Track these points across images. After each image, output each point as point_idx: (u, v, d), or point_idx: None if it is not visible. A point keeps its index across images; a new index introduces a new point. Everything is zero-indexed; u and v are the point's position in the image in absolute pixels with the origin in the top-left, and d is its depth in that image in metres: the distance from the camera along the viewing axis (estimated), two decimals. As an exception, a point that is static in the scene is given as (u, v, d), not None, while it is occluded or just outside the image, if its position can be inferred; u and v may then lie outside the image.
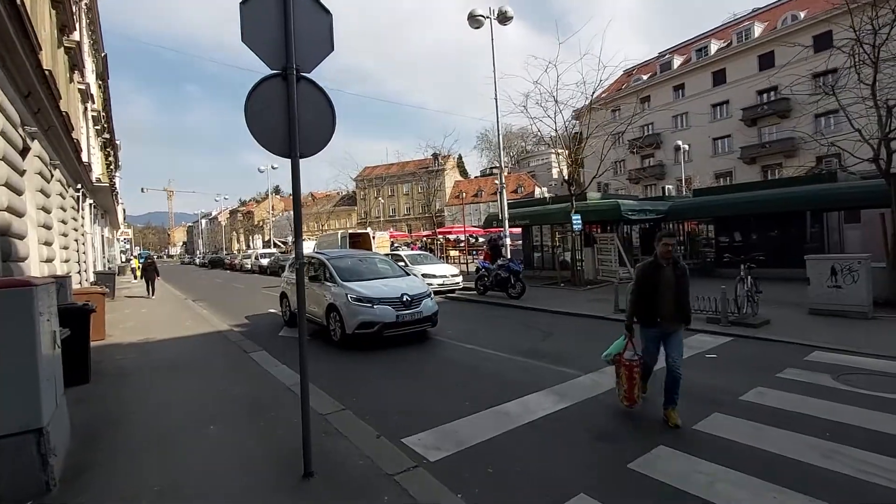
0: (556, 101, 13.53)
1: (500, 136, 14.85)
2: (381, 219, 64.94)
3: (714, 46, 42.49)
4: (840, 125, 9.46)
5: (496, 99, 14.21)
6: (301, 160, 3.12)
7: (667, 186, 19.72)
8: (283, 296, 10.03)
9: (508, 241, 14.92)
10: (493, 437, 3.76)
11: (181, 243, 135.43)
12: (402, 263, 14.23)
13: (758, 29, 39.23)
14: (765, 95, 37.88)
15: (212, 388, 5.27)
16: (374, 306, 7.31)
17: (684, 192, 27.40)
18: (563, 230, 16.77)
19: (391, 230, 50.02)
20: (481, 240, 29.77)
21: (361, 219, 70.54)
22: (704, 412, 4.03)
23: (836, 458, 3.17)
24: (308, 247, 28.04)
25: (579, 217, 13.34)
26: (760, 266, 12.36)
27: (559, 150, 15.54)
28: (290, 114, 3.05)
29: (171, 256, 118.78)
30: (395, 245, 33.45)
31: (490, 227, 20.60)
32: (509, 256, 13.82)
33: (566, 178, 14.36)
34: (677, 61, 45.53)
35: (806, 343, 6.04)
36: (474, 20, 13.48)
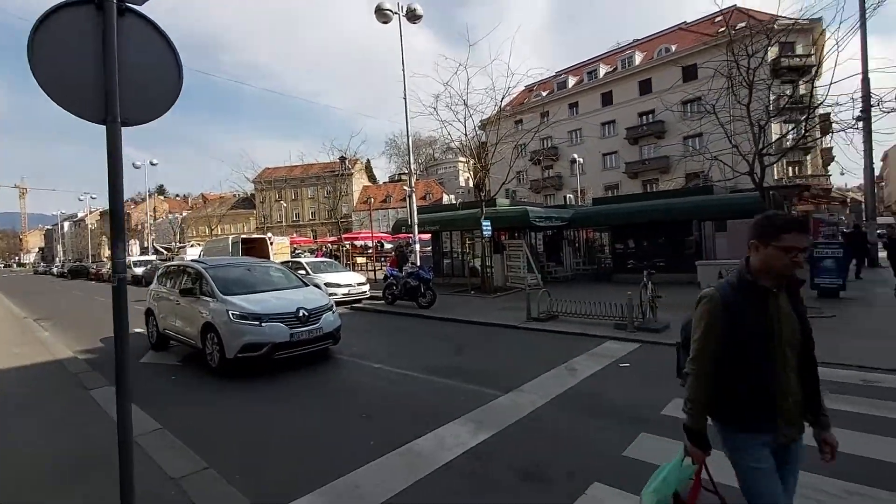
0: (467, 105, 13.34)
1: (410, 138, 14.33)
2: (284, 223, 60.90)
3: (602, 70, 46.60)
4: (709, 145, 10.57)
5: (405, 98, 13.63)
6: (132, 128, 2.18)
7: (567, 195, 20.73)
8: (150, 312, 8.34)
9: (418, 247, 14.36)
10: (402, 489, 3.05)
11: (37, 249, 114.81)
12: (302, 272, 12.94)
13: (638, 57, 43.77)
14: (644, 117, 42.35)
15: (22, 443, 3.87)
16: (263, 324, 6.20)
17: (580, 202, 29.26)
18: (473, 236, 16.66)
19: (294, 235, 46.96)
20: (388, 246, 28.95)
21: (261, 223, 65.55)
22: (631, 433, 3.73)
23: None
24: (194, 254, 24.89)
25: (489, 223, 13.22)
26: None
27: (468, 158, 15.43)
28: (106, 60, 2.09)
29: (23, 265, 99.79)
30: (298, 252, 31.22)
31: (399, 233, 19.93)
32: (419, 263, 13.26)
33: (475, 184, 14.22)
34: (572, 81, 49.13)
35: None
36: (382, 14, 12.78)
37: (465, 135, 13.85)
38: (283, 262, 13.05)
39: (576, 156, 39.17)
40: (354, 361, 6.72)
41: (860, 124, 17.05)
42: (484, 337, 8.22)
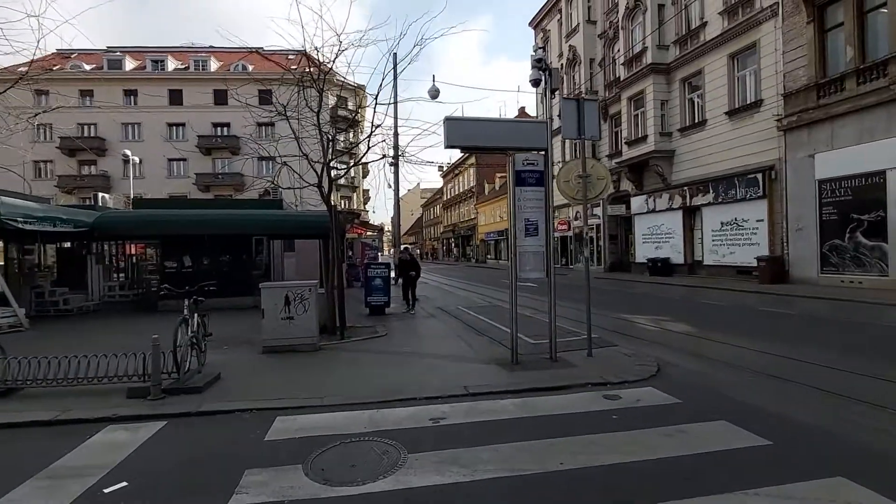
0: None
1: None
2: None
3: (171, 64, 40.81)
4: (280, 149, 9.89)
5: None
6: None
7: (102, 195, 15.10)
8: None
9: None
10: None
11: None
12: None
13: (214, 65, 40.89)
14: (220, 129, 39.75)
15: None
16: None
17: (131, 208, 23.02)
18: None
19: None
20: None
21: None
22: None
23: None
24: None
25: None
26: (212, 296, 10.78)
27: None
28: None
29: None
30: None
31: None
32: None
33: None
34: (130, 64, 40.41)
35: (266, 406, 4.41)
36: None
37: None
38: None
39: (128, 152, 31.48)
40: None
41: (391, 168, 21.12)
42: None
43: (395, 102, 12.81)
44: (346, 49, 7.99)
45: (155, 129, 37.95)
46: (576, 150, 27.55)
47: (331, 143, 8.12)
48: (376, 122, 8.28)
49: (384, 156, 10.17)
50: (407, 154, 10.40)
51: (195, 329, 5.38)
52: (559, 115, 5.97)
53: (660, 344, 7.09)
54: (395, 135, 19.24)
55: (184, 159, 39.05)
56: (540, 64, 5.86)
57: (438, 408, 4.31)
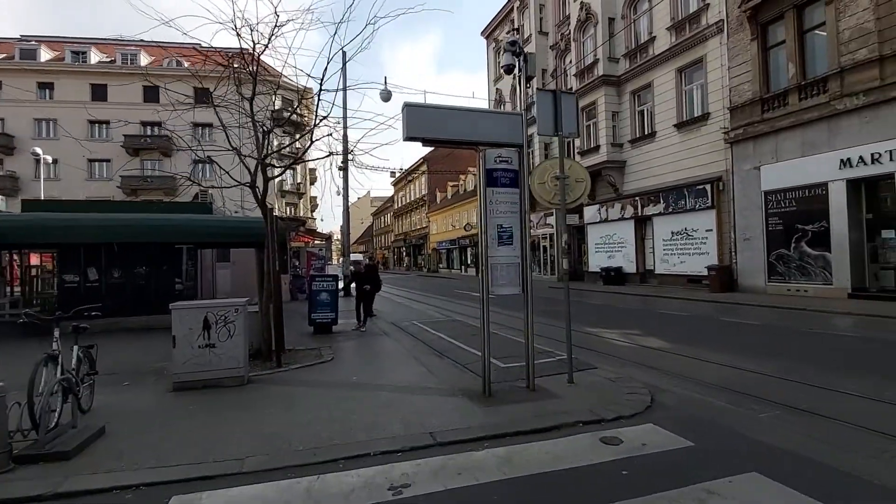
0: None
1: None
2: None
3: (95, 57, 37.35)
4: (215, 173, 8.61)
5: None
6: None
7: (-8, 197, 12.72)
8: None
9: None
10: None
11: None
12: None
13: (144, 59, 37.85)
14: (149, 128, 36.65)
15: None
16: None
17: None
18: None
19: None
20: None
21: None
22: None
23: None
24: None
25: None
26: (119, 314, 9.14)
27: None
28: None
29: None
30: None
31: None
32: None
33: None
34: (46, 55, 36.57)
35: (160, 479, 3.20)
36: None
37: None
38: None
39: (40, 151, 27.94)
40: None
41: (340, 172, 19.86)
42: None
43: (345, 89, 11.69)
44: (284, 25, 6.87)
45: (74, 127, 34.22)
46: (529, 160, 27.46)
47: (266, 137, 6.94)
48: (322, 112, 7.18)
49: (331, 153, 9.03)
50: (357, 151, 9.32)
51: (72, 367, 4.06)
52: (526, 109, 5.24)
53: (639, 364, 6.48)
54: (345, 136, 18.08)
55: (107, 160, 35.75)
56: (514, 48, 5.11)
57: (399, 468, 3.31)
